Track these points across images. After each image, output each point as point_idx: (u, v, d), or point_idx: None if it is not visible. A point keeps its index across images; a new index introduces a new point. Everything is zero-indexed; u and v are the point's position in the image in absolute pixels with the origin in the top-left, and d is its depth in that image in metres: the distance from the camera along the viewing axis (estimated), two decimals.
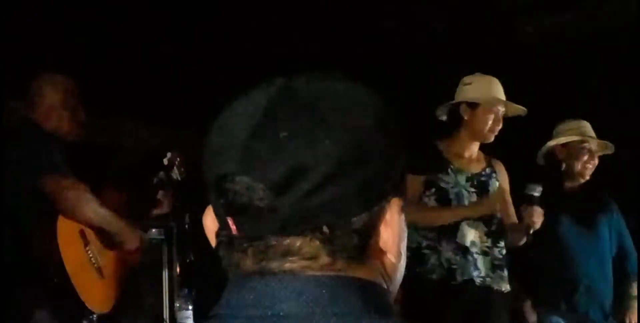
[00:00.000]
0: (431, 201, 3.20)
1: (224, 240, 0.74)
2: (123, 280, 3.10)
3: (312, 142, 0.68)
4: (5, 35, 3.50)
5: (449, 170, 3.24)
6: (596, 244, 3.53)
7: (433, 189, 3.19)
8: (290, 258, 0.70)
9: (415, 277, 3.08)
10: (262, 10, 4.05)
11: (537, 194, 3.13)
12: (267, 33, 4.21)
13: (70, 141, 3.04)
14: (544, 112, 3.40)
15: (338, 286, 0.70)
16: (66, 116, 3.00)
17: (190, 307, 3.62)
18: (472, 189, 3.25)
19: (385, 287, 0.76)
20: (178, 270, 4.09)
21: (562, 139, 3.59)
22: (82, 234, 2.94)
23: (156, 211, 3.14)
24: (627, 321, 3.51)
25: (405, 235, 0.78)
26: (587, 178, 3.57)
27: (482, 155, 3.35)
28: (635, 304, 3.50)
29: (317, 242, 0.70)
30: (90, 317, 2.95)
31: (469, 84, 3.26)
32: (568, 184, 3.61)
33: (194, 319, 3.60)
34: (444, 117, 3.33)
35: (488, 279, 3.17)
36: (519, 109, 3.26)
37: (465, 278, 3.13)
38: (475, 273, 3.15)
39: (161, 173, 3.15)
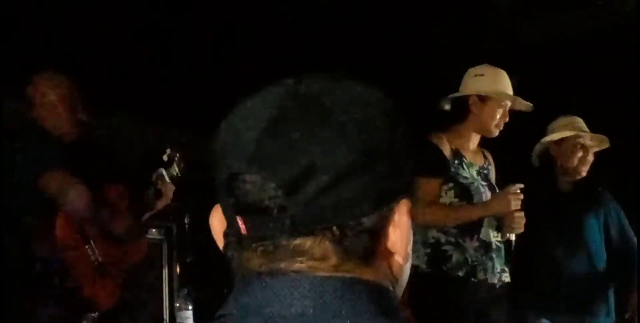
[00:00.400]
0: (449, 197, 3.10)
1: (232, 240, 0.73)
2: (124, 278, 3.10)
3: (323, 142, 0.68)
4: (5, 35, 3.50)
5: (463, 164, 3.16)
6: (584, 243, 3.48)
7: (451, 184, 3.09)
8: (299, 259, 0.70)
9: (440, 274, 3.02)
10: (262, 10, 4.05)
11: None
12: (267, 33, 4.21)
13: (70, 141, 3.04)
14: (543, 111, 3.39)
15: (346, 287, 0.70)
16: (65, 116, 3.00)
17: (190, 307, 3.62)
18: (484, 183, 3.19)
19: (392, 288, 0.76)
20: (178, 270, 4.09)
21: (556, 136, 3.52)
22: (82, 232, 2.94)
23: (159, 204, 3.12)
24: (627, 316, 3.48)
25: (412, 236, 0.78)
26: (584, 174, 3.52)
27: (477, 147, 3.30)
28: (635, 297, 3.47)
29: (327, 242, 0.70)
30: (91, 315, 2.95)
31: (481, 75, 3.16)
32: (562, 182, 3.57)
33: (194, 319, 3.60)
34: (447, 107, 3.22)
35: (504, 274, 3.14)
36: (526, 105, 3.18)
37: (487, 275, 3.08)
38: (496, 270, 3.10)
39: (160, 169, 3.14)
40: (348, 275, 0.71)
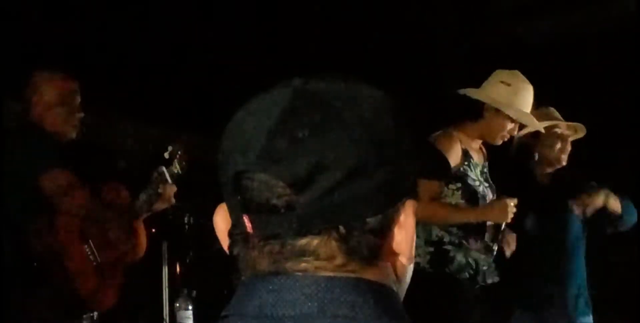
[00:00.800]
0: (456, 198, 3.06)
1: (238, 239, 0.73)
2: (123, 278, 3.09)
3: (331, 141, 0.68)
4: (5, 35, 3.50)
5: (471, 165, 3.12)
6: (564, 237, 3.44)
7: (459, 184, 3.05)
8: (305, 259, 0.70)
9: (443, 276, 3.01)
10: (263, 11, 4.05)
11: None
12: (267, 33, 4.21)
13: (69, 140, 3.03)
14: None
15: (351, 287, 0.70)
16: (63, 115, 2.99)
17: (190, 307, 3.62)
18: (486, 184, 3.17)
19: (395, 289, 0.75)
20: (178, 270, 4.08)
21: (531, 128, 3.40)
22: (82, 232, 2.93)
23: (157, 206, 3.10)
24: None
25: (415, 237, 0.78)
26: (564, 163, 3.47)
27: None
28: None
29: (333, 242, 0.70)
30: (91, 315, 2.95)
31: (507, 84, 3.09)
32: (541, 175, 3.52)
33: (194, 319, 3.60)
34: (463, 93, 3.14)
35: (496, 276, 3.14)
36: (539, 127, 3.15)
37: (488, 279, 3.08)
38: (495, 273, 3.11)
39: (161, 167, 3.11)
40: (352, 275, 0.71)
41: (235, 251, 0.74)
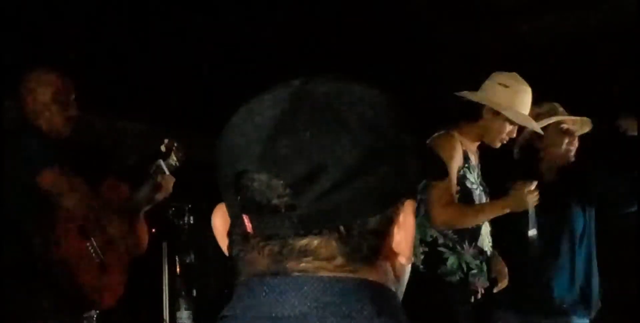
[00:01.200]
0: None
1: (237, 239, 0.73)
2: (126, 275, 3.10)
3: (332, 142, 0.68)
4: (4, 35, 3.50)
5: (470, 167, 3.12)
6: (569, 237, 3.42)
7: (458, 187, 3.05)
8: (305, 259, 0.70)
9: (434, 277, 3.01)
10: (263, 10, 4.05)
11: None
12: (267, 33, 4.21)
13: (64, 138, 3.03)
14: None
15: (350, 288, 0.70)
16: (58, 114, 2.99)
17: (190, 307, 3.62)
18: (481, 187, 3.17)
19: (394, 289, 0.75)
20: (178, 270, 4.09)
21: (543, 123, 3.33)
22: (83, 230, 2.94)
23: (157, 197, 3.12)
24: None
25: (414, 237, 0.78)
26: (572, 159, 3.44)
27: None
28: None
29: (333, 242, 0.70)
30: (92, 313, 2.95)
31: (505, 86, 3.08)
32: (547, 173, 3.49)
33: (194, 319, 3.60)
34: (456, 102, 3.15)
35: (486, 281, 3.15)
36: (538, 128, 3.14)
37: (481, 283, 3.09)
38: (487, 276, 3.12)
39: (158, 161, 3.13)
40: (352, 275, 0.71)
41: (234, 252, 0.74)
